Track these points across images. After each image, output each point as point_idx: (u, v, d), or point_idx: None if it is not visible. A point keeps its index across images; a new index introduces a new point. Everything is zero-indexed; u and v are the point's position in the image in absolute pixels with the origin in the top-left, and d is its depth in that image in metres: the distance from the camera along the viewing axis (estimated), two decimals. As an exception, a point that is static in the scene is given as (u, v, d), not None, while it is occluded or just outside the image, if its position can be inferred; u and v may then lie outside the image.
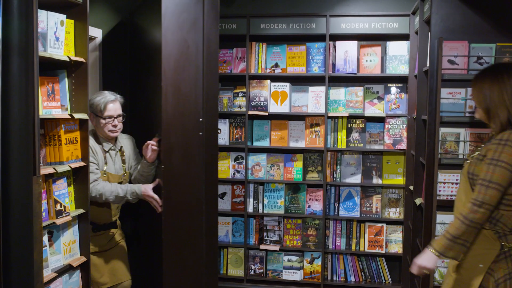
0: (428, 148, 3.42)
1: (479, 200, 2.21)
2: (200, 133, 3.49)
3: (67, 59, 2.97)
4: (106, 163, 3.23)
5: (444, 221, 3.40)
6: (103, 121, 3.20)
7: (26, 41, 1.99)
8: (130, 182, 3.44)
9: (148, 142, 3.26)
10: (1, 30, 1.89)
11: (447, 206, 3.41)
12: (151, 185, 3.23)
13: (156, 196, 3.19)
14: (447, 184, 3.40)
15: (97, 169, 3.16)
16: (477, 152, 2.36)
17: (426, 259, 2.32)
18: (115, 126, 3.22)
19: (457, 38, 3.36)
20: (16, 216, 2.01)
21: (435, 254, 2.30)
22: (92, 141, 3.17)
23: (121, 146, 3.36)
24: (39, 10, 2.76)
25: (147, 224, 3.72)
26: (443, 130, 3.38)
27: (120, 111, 3.27)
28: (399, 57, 4.47)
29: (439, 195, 3.40)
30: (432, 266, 2.32)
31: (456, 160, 3.39)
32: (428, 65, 3.55)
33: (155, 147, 3.25)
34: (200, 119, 3.50)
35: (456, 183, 3.38)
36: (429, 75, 3.40)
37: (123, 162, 3.35)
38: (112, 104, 3.22)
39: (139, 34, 3.95)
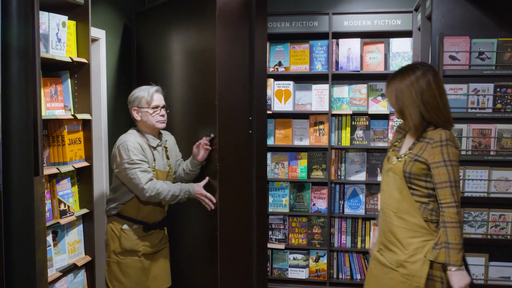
0: (430, 145, 3.41)
1: (457, 201, 2.32)
2: (250, 131, 3.54)
3: (69, 60, 2.99)
4: (155, 159, 3.12)
5: (447, 218, 3.40)
6: (150, 111, 3.09)
7: (26, 43, 2.01)
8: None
9: (200, 141, 3.20)
10: (0, 32, 1.91)
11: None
12: (202, 183, 3.18)
13: (209, 194, 3.15)
14: (450, 180, 3.39)
15: (149, 167, 3.06)
16: (409, 151, 2.44)
17: (462, 278, 2.33)
18: (163, 116, 3.14)
19: (458, 34, 3.35)
20: (18, 216, 2.03)
21: (461, 269, 2.33)
22: (139, 139, 3.07)
23: (166, 141, 3.27)
24: (41, 12, 2.79)
25: (177, 225, 3.70)
26: (445, 126, 3.37)
27: (164, 102, 3.19)
28: (402, 54, 4.46)
29: (442, 192, 3.39)
30: (469, 280, 2.34)
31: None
32: (430, 61, 3.54)
33: (208, 146, 3.21)
34: (250, 118, 3.55)
35: (459, 179, 3.36)
36: (431, 71, 3.39)
37: (167, 157, 3.26)
38: (157, 94, 3.14)
39: (146, 36, 3.95)
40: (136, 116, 3.12)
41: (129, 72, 4.27)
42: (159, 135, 3.23)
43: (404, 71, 2.42)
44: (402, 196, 2.44)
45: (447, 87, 3.36)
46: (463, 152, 3.38)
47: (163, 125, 3.15)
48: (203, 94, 3.33)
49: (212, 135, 3.20)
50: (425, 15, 3.84)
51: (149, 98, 3.09)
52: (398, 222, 2.45)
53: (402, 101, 2.40)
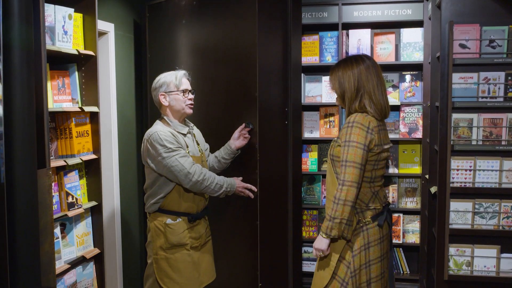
0: (440, 135, 3.37)
1: (341, 179, 2.46)
2: (286, 122, 3.60)
3: (76, 53, 3.00)
4: (187, 146, 3.00)
5: (458, 209, 3.35)
6: (180, 96, 2.97)
7: (27, 35, 2.01)
8: None
9: (241, 127, 3.24)
10: (1, 24, 1.91)
11: (461, 193, 3.36)
12: (239, 179, 3.19)
13: (249, 185, 3.16)
14: (461, 171, 3.34)
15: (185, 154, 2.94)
16: (337, 137, 2.64)
17: (318, 242, 2.54)
18: (191, 99, 3.04)
19: (468, 22, 3.28)
20: (22, 208, 2.03)
21: (322, 236, 2.52)
22: (169, 129, 2.93)
23: (193, 127, 3.17)
24: (46, 4, 2.80)
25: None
26: (455, 116, 3.32)
27: (190, 86, 3.09)
28: (413, 44, 4.40)
29: (453, 182, 3.35)
30: (324, 248, 2.52)
31: (469, 147, 3.32)
32: (440, 50, 3.49)
33: (247, 135, 3.25)
34: (286, 109, 3.61)
35: (470, 170, 3.33)
36: (441, 60, 3.34)
37: (197, 143, 3.15)
38: (184, 78, 3.05)
39: (161, 28, 3.93)
40: (164, 101, 2.97)
41: (140, 64, 4.28)
42: (185, 123, 3.12)
43: (348, 61, 2.60)
44: (331, 178, 2.63)
45: (457, 76, 3.31)
46: (474, 142, 3.33)
47: (191, 111, 3.04)
48: (239, 86, 3.36)
49: (251, 126, 3.23)
50: (435, 3, 3.78)
51: (177, 82, 2.98)
52: (327, 203, 2.62)
53: (343, 86, 2.57)
